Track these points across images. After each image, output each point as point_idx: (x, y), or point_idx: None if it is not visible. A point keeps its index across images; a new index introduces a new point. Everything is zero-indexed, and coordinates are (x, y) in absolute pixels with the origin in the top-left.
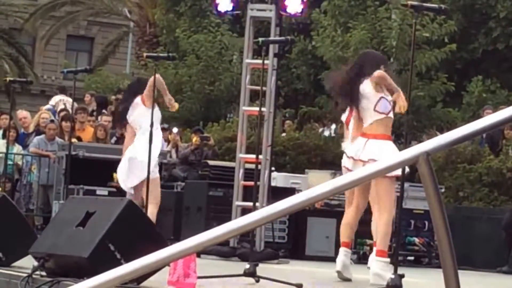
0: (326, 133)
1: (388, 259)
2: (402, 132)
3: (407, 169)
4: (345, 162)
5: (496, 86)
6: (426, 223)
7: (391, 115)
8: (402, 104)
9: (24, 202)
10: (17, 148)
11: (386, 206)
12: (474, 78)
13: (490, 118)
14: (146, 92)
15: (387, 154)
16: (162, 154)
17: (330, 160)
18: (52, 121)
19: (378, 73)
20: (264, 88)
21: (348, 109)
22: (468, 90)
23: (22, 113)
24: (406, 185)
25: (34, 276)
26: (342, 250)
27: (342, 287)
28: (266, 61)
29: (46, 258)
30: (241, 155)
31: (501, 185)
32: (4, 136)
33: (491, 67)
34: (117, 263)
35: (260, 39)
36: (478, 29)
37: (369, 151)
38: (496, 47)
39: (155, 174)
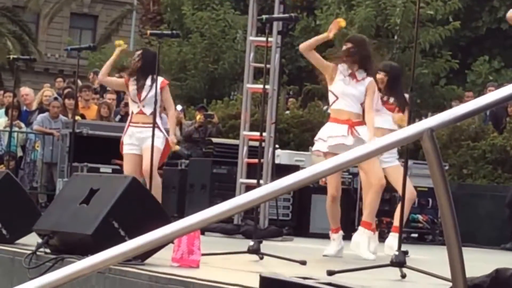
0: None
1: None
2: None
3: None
4: None
5: (500, 65)
6: (430, 200)
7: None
8: None
9: (28, 179)
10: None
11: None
12: (480, 58)
13: (494, 95)
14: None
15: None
16: (166, 132)
17: None
18: (56, 98)
19: None
20: (268, 66)
21: None
22: (473, 69)
23: (24, 90)
24: (410, 162)
25: (38, 253)
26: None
27: (345, 263)
28: (270, 39)
29: (50, 235)
30: (245, 133)
31: (505, 163)
32: (6, 114)
33: (495, 45)
34: (121, 240)
35: (264, 17)
36: (482, 7)
37: None
38: (500, 26)
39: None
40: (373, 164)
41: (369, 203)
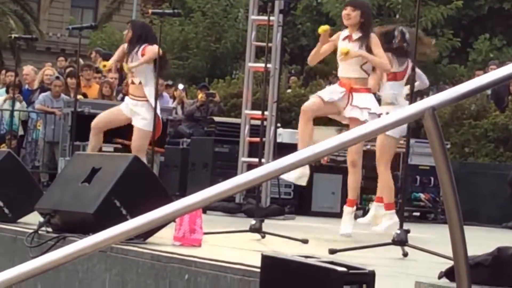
0: None
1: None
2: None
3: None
4: None
5: (502, 44)
6: (432, 179)
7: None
8: None
9: (30, 159)
10: (20, 105)
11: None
12: (481, 36)
13: (496, 73)
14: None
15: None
16: (168, 111)
17: None
18: (57, 77)
19: None
20: (269, 45)
21: None
22: (475, 48)
23: (27, 69)
24: (412, 141)
25: (40, 232)
26: None
27: (347, 242)
28: (271, 18)
29: (52, 214)
30: (246, 112)
31: (507, 141)
32: (7, 93)
33: (497, 24)
34: (123, 219)
35: None
36: None
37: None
38: (502, 6)
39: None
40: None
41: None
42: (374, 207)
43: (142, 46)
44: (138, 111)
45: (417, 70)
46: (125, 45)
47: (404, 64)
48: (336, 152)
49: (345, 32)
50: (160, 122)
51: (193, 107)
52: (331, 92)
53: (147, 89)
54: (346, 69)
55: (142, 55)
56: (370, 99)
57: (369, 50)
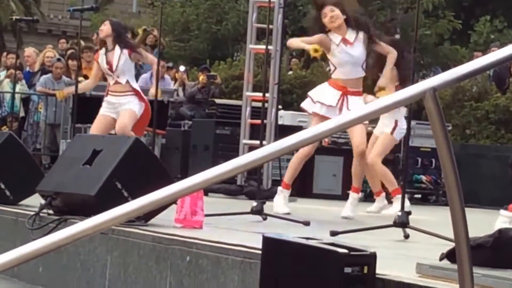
0: None
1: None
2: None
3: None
4: None
5: (503, 26)
6: (433, 160)
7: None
8: None
9: (31, 141)
10: (21, 87)
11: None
12: (482, 18)
13: (497, 54)
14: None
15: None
16: (169, 93)
17: None
18: (59, 59)
19: None
20: (271, 26)
21: None
22: (476, 30)
23: (27, 51)
24: (413, 123)
25: (41, 214)
26: None
27: (348, 224)
28: None
29: (53, 196)
30: (248, 93)
31: (508, 123)
32: (9, 76)
33: (498, 6)
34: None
35: None
36: None
37: None
38: None
39: None
40: (355, 128)
41: (352, 169)
42: (378, 201)
43: (124, 51)
44: (125, 101)
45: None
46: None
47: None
48: (337, 133)
49: (335, 37)
50: (149, 108)
51: (195, 89)
52: (326, 103)
53: (134, 84)
54: (348, 72)
55: (130, 54)
56: (362, 104)
57: (372, 42)
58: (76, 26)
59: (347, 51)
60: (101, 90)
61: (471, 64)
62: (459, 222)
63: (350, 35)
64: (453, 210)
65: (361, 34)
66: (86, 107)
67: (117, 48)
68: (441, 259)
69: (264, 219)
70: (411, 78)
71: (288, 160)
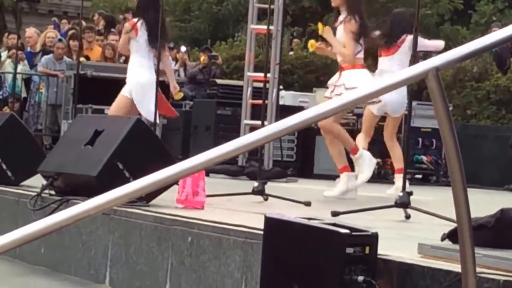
0: None
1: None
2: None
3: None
4: None
5: (504, 6)
6: (434, 141)
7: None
8: None
9: (32, 121)
10: (22, 67)
11: None
12: None
13: (498, 33)
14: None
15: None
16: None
17: None
18: (60, 40)
19: None
20: (272, 6)
21: None
22: (477, 10)
23: (28, 31)
24: (414, 103)
25: (43, 195)
26: None
27: (349, 204)
28: None
29: (55, 177)
30: (249, 74)
31: (509, 103)
32: (10, 56)
33: None
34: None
35: None
36: None
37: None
38: None
39: None
40: None
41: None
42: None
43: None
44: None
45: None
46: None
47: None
48: (339, 112)
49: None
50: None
51: (196, 70)
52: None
53: None
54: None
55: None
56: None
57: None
58: (77, 6)
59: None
60: (101, 71)
61: (473, 44)
62: (461, 203)
63: (342, 16)
64: (455, 190)
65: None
66: (88, 87)
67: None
68: (442, 239)
69: (266, 199)
70: (413, 58)
71: (290, 141)
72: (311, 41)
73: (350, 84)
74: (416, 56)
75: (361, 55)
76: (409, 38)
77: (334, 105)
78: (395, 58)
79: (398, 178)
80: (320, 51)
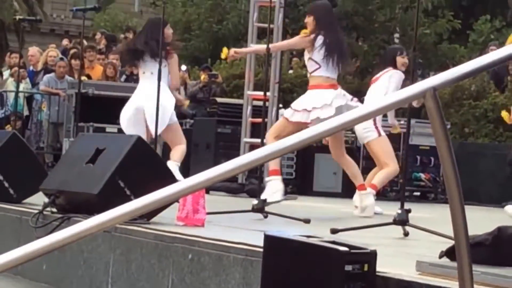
0: None
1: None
2: (409, 69)
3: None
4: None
5: (502, 25)
6: (432, 159)
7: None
8: None
9: (34, 140)
10: (25, 85)
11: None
12: (482, 17)
13: (496, 53)
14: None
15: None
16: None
17: None
18: (61, 59)
19: None
20: (271, 26)
21: None
22: (475, 29)
23: (32, 50)
24: (412, 121)
25: (45, 212)
26: None
27: (348, 221)
28: None
29: (56, 194)
30: (249, 92)
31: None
32: (12, 75)
33: (497, 5)
34: (127, 199)
35: None
36: None
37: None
38: None
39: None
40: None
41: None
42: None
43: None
44: None
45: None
46: None
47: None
48: (337, 132)
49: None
50: None
51: (196, 88)
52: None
53: None
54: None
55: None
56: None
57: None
58: (79, 25)
59: None
60: (103, 89)
61: (470, 64)
62: (458, 220)
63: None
64: (453, 208)
65: None
66: (89, 106)
67: None
68: (440, 256)
69: (265, 217)
70: (411, 76)
71: (289, 159)
72: (224, 49)
73: (309, 105)
74: (414, 75)
75: (326, 73)
76: (390, 72)
77: (333, 124)
78: (376, 87)
79: (361, 196)
80: (235, 56)
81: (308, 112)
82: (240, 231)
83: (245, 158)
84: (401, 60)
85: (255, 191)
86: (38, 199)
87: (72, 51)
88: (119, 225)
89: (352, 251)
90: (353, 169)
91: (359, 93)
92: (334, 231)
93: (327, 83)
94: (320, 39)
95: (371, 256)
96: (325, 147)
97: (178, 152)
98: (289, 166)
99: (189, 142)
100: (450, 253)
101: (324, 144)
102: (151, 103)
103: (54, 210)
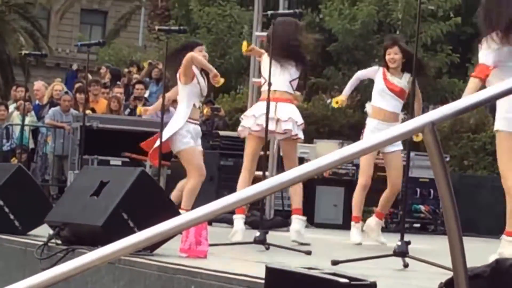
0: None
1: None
2: (408, 102)
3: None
4: None
5: None
6: (432, 191)
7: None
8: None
9: (40, 172)
10: (30, 119)
11: None
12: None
13: (494, 88)
14: (180, 70)
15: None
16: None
17: (337, 130)
18: (66, 92)
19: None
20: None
21: None
22: (473, 63)
23: (38, 84)
24: (412, 154)
25: (49, 244)
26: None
27: (349, 253)
28: None
29: (61, 226)
30: None
31: None
32: (18, 108)
33: None
34: (131, 232)
35: (269, 12)
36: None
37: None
38: None
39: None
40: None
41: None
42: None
43: None
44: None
45: None
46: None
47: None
48: (338, 166)
49: None
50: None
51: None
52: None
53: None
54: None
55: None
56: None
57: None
58: (83, 59)
59: None
60: (107, 123)
61: (468, 99)
62: (457, 252)
63: None
64: (451, 240)
65: None
66: (93, 139)
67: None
68: None
69: (267, 248)
70: (410, 110)
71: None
72: (245, 43)
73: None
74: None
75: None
76: None
77: (334, 158)
78: None
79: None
80: (251, 52)
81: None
82: (242, 263)
83: (247, 192)
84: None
85: (257, 222)
86: (43, 231)
87: (77, 85)
88: (123, 256)
89: (353, 282)
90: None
91: (360, 126)
92: (334, 263)
93: None
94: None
95: None
96: (326, 180)
97: (184, 196)
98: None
99: None
100: (449, 285)
101: (325, 177)
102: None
103: (59, 242)
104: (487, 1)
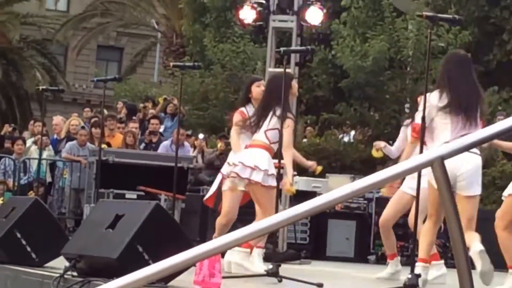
0: (346, 139)
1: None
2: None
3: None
4: None
5: (509, 95)
6: (442, 225)
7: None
8: None
9: (56, 205)
10: (48, 153)
11: None
12: (490, 88)
13: (503, 124)
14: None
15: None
16: (189, 159)
17: (349, 165)
18: (83, 127)
19: None
20: None
21: None
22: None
23: (57, 119)
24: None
25: (65, 276)
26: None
27: (360, 286)
28: (287, 70)
29: (77, 259)
30: None
31: None
32: (36, 142)
33: (504, 76)
34: (146, 264)
35: (282, 49)
36: (492, 41)
37: None
38: (509, 58)
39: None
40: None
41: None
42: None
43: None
44: None
45: None
46: None
47: None
48: (349, 199)
49: None
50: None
51: (213, 156)
52: None
53: None
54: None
55: None
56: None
57: None
58: (100, 95)
59: None
60: (122, 157)
61: (478, 134)
62: (466, 285)
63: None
64: (460, 274)
65: None
66: (109, 173)
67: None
68: None
69: (279, 281)
70: (420, 145)
71: (303, 224)
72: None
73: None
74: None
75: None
76: None
77: (346, 191)
78: None
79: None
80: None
81: None
82: None
83: (261, 224)
84: None
85: (270, 255)
86: (60, 263)
87: (93, 120)
88: None
89: None
90: None
91: (371, 161)
92: None
93: None
94: None
95: None
96: (338, 213)
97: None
98: (303, 231)
99: (206, 207)
100: None
101: (337, 210)
102: None
103: (75, 274)
104: None
